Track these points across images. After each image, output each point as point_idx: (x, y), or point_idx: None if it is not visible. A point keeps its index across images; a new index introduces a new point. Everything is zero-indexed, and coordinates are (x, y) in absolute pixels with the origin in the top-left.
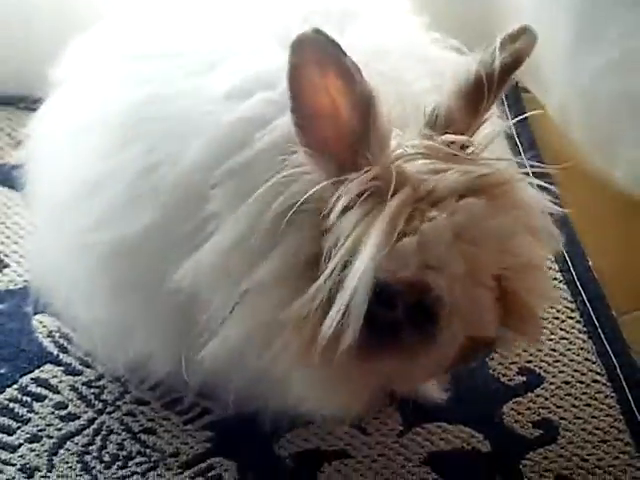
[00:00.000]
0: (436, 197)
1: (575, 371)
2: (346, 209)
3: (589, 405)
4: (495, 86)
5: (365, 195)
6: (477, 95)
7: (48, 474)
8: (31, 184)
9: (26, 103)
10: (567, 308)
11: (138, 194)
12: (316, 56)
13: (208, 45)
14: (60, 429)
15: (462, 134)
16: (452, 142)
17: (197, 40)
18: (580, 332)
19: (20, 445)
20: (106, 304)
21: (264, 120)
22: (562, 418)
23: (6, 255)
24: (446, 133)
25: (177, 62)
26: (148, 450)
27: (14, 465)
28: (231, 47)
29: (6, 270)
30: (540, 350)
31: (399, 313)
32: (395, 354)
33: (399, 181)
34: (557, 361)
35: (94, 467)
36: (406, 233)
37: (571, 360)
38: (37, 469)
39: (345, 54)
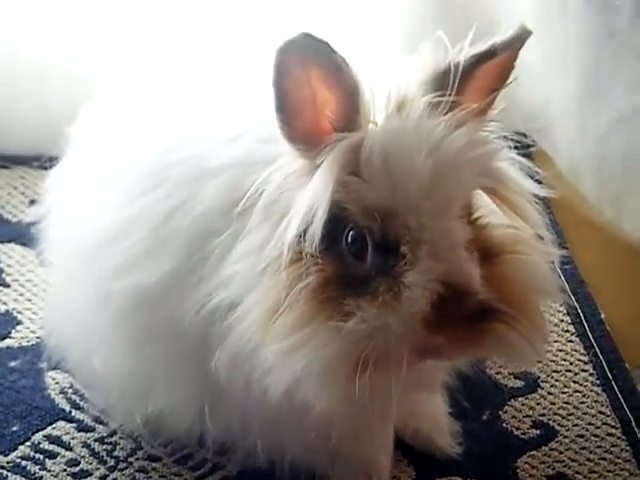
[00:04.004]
0: None
1: (589, 424)
2: None
3: (604, 459)
4: (460, 74)
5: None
6: (441, 83)
7: None
8: (49, 240)
9: (40, 162)
10: (580, 361)
11: (160, 240)
12: (300, 55)
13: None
14: None
15: None
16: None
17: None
18: (593, 385)
19: None
20: (127, 355)
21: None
22: (577, 472)
23: (19, 312)
24: None
25: (193, 113)
26: None
27: None
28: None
29: (19, 327)
30: (553, 403)
31: (369, 261)
32: (368, 306)
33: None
34: (571, 414)
35: None
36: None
37: (585, 413)
38: None
39: (333, 50)
